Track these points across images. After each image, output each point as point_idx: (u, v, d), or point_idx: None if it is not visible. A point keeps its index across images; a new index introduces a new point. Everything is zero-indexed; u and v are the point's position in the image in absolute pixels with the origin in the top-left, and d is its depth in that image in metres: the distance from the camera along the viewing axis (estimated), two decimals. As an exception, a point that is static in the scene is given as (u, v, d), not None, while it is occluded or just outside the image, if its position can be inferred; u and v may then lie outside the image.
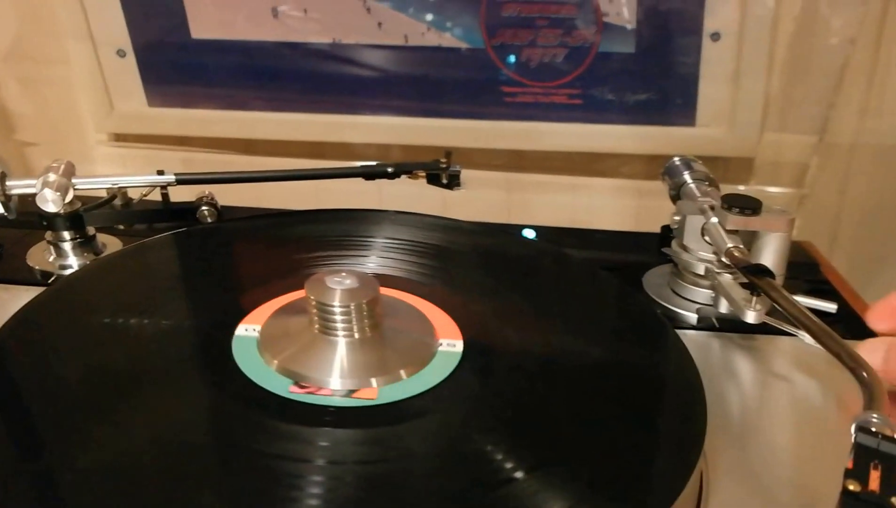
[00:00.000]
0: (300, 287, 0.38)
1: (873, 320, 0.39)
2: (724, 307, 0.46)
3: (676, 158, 0.53)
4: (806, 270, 0.55)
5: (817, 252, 0.60)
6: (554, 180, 0.75)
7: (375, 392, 0.34)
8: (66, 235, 0.51)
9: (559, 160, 0.75)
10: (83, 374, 0.35)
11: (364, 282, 0.37)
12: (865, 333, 0.42)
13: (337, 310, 0.36)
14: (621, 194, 0.75)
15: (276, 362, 0.35)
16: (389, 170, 0.53)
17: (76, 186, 0.49)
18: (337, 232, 0.50)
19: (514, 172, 0.76)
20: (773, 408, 0.41)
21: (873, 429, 0.28)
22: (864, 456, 0.27)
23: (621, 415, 0.34)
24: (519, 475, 0.29)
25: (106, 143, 0.79)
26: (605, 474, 0.30)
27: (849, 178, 0.71)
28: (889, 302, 0.39)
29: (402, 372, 0.35)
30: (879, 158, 0.70)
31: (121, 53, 0.73)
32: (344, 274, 0.37)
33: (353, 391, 0.34)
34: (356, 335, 0.36)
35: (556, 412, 0.34)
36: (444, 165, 0.54)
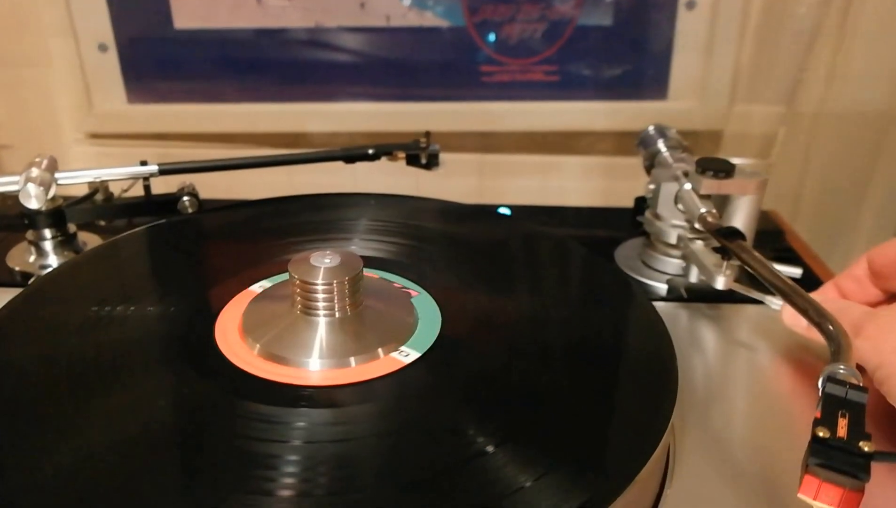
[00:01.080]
0: (283, 272, 0.38)
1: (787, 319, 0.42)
2: (693, 276, 0.47)
3: (651, 127, 0.54)
4: (771, 237, 0.56)
5: (782, 220, 0.61)
6: (526, 160, 0.76)
7: (353, 372, 0.34)
8: (48, 233, 0.50)
9: (533, 140, 0.75)
10: (65, 365, 0.35)
11: (348, 260, 0.37)
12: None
13: (319, 288, 0.36)
14: (592, 173, 0.76)
15: (258, 346, 0.36)
16: (370, 152, 0.54)
17: (59, 181, 0.49)
18: (317, 217, 0.51)
19: (487, 154, 0.76)
20: (737, 375, 0.41)
21: (841, 379, 0.29)
22: (832, 406, 0.28)
23: (593, 386, 0.34)
24: (489, 448, 0.29)
25: (83, 142, 0.79)
26: (573, 445, 0.30)
27: (812, 146, 0.72)
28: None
29: (380, 351, 0.35)
30: (842, 127, 0.71)
31: (102, 48, 0.73)
32: (329, 253, 0.37)
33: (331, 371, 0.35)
34: (337, 314, 0.37)
35: (529, 385, 0.34)
36: (423, 145, 0.54)
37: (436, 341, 0.37)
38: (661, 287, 0.49)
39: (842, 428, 0.27)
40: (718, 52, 0.69)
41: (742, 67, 0.69)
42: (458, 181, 0.71)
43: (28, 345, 0.37)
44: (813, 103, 0.70)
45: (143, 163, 0.52)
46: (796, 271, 0.46)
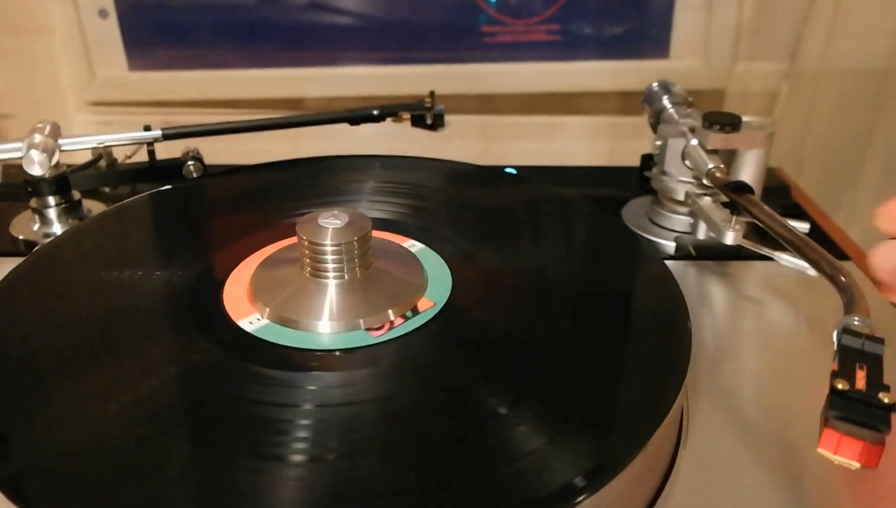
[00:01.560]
0: (290, 236, 0.38)
1: (882, 221, 0.39)
2: (702, 233, 0.47)
3: (655, 84, 0.54)
4: (777, 194, 0.56)
5: (787, 176, 0.61)
6: (529, 122, 0.75)
7: (363, 335, 0.34)
8: (52, 200, 0.50)
9: (535, 101, 0.75)
10: (72, 332, 0.35)
11: (356, 220, 0.37)
12: (835, 252, 0.43)
13: (328, 249, 0.36)
14: (596, 134, 0.75)
15: (267, 310, 0.35)
16: (375, 113, 0.53)
17: (62, 147, 0.49)
18: (323, 180, 0.50)
19: (489, 115, 0.76)
20: (748, 333, 0.41)
21: (857, 331, 0.28)
22: (849, 357, 0.27)
23: (606, 346, 0.34)
24: (501, 410, 0.29)
25: (85, 110, 0.79)
26: (587, 406, 0.30)
27: (814, 103, 0.72)
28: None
29: (391, 312, 0.35)
30: (843, 83, 0.71)
31: (103, 14, 0.72)
32: (336, 212, 0.37)
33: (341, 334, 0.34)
34: (346, 276, 0.36)
35: (540, 346, 0.34)
36: (428, 106, 0.54)
37: (446, 303, 0.36)
38: (669, 245, 0.49)
39: (860, 380, 0.26)
40: (719, 9, 0.68)
41: (743, 24, 0.69)
42: (461, 144, 0.71)
43: (34, 313, 0.36)
44: (814, 60, 0.69)
45: (147, 128, 0.51)
46: (804, 226, 0.45)
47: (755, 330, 0.41)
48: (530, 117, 0.75)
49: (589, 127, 0.75)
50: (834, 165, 0.74)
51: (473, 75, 0.72)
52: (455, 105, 0.61)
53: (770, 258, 0.44)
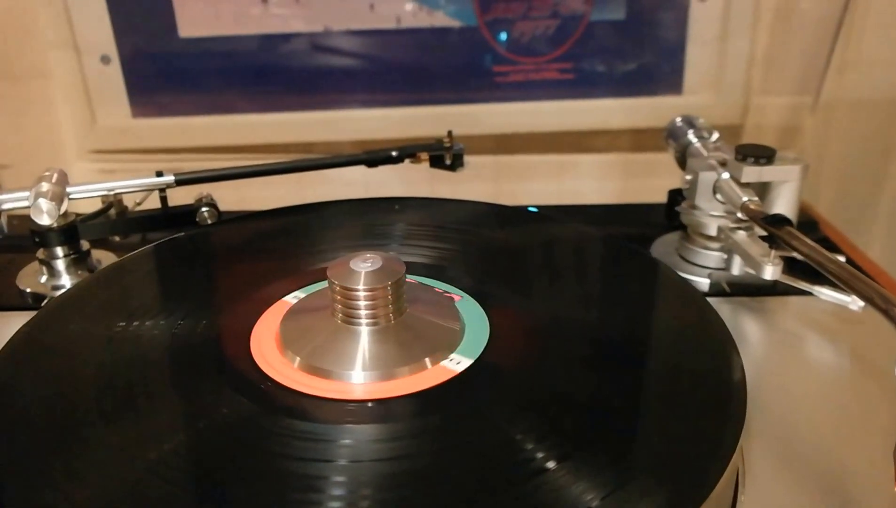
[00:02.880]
0: (318, 281, 0.37)
1: None
2: (736, 268, 0.46)
3: (678, 118, 0.53)
4: (805, 228, 0.54)
5: (813, 210, 0.60)
6: (542, 161, 0.75)
7: (400, 384, 0.33)
8: (60, 251, 0.48)
9: (548, 140, 0.74)
10: (92, 388, 0.33)
11: (389, 263, 0.36)
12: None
13: (361, 294, 0.34)
14: (609, 172, 0.74)
15: (297, 359, 0.34)
16: (393, 154, 0.52)
17: (71, 196, 0.47)
18: (346, 223, 0.49)
19: (501, 156, 0.75)
20: (793, 370, 0.40)
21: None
22: None
23: (656, 393, 0.32)
24: (550, 465, 0.27)
25: (85, 158, 0.77)
26: (643, 459, 0.28)
27: (829, 135, 0.71)
28: None
29: (428, 360, 0.34)
30: (857, 115, 0.70)
31: (105, 60, 0.71)
32: (369, 256, 0.36)
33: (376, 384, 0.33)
34: (380, 322, 0.35)
35: (587, 395, 0.32)
36: (447, 145, 0.53)
37: (486, 347, 0.35)
38: (703, 282, 0.47)
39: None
40: (733, 43, 0.68)
41: (758, 58, 0.68)
42: (472, 185, 0.70)
43: (49, 370, 0.34)
44: (828, 91, 0.69)
45: (159, 174, 0.50)
46: (840, 259, 0.44)
47: (801, 367, 0.40)
48: (543, 156, 0.74)
49: (602, 165, 0.74)
50: (849, 196, 0.73)
51: (485, 115, 0.71)
52: (466, 145, 0.60)
53: (807, 293, 0.43)
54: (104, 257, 0.52)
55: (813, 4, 0.66)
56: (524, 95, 0.71)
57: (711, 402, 0.31)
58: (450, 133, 0.54)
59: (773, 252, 0.42)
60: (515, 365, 0.34)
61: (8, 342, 0.36)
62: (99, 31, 0.70)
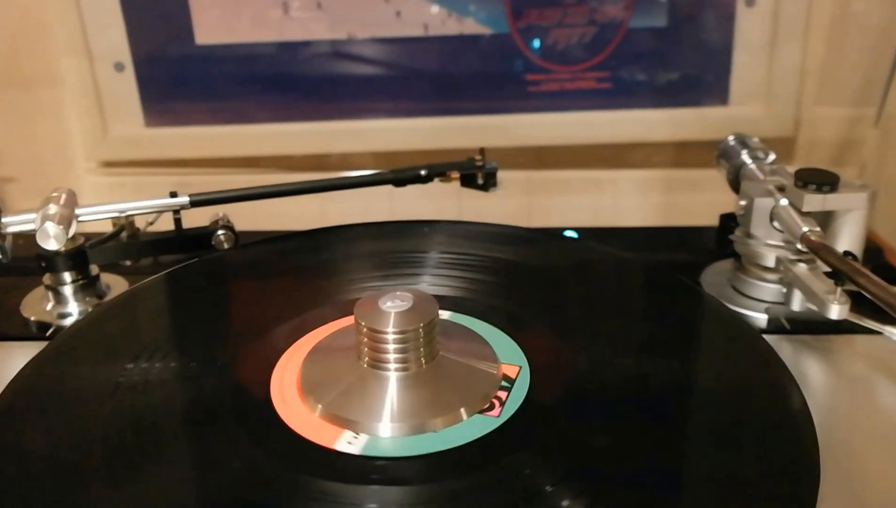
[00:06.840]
0: (344, 315, 0.34)
1: None
2: (797, 304, 0.42)
3: (731, 138, 0.50)
4: (869, 255, 0.51)
5: (878, 236, 0.56)
6: (577, 176, 0.72)
7: (433, 439, 0.30)
8: (67, 277, 0.46)
9: (584, 154, 0.71)
10: (99, 440, 0.30)
11: (420, 303, 0.33)
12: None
13: (390, 337, 0.32)
14: (649, 189, 0.72)
15: (319, 406, 0.31)
16: (422, 173, 0.50)
17: (79, 218, 0.45)
18: (373, 249, 0.46)
19: (534, 170, 0.72)
20: (861, 414, 0.36)
21: None
22: None
23: (720, 451, 0.30)
24: None
25: (95, 171, 0.75)
26: None
27: (890, 150, 0.67)
28: None
29: (463, 411, 0.31)
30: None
31: (119, 67, 0.69)
32: (399, 294, 0.33)
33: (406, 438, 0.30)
34: (411, 368, 0.32)
35: (645, 448, 0.29)
36: (479, 163, 0.50)
37: (526, 396, 0.32)
38: (759, 317, 0.44)
39: None
40: (783, 50, 0.64)
41: (811, 66, 0.65)
42: (503, 202, 0.67)
43: (50, 423, 0.32)
44: (890, 103, 0.65)
45: (173, 194, 0.47)
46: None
47: (872, 415, 0.36)
48: (579, 172, 0.71)
49: (642, 181, 0.71)
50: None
51: (517, 126, 0.69)
52: (496, 159, 0.58)
53: (878, 332, 0.39)
54: (114, 282, 0.49)
55: (872, 9, 0.62)
56: (558, 105, 0.68)
57: (779, 462, 0.28)
58: (482, 151, 0.51)
59: (839, 289, 0.38)
60: (559, 413, 0.32)
61: (8, 386, 0.33)
62: (113, 38, 0.69)
